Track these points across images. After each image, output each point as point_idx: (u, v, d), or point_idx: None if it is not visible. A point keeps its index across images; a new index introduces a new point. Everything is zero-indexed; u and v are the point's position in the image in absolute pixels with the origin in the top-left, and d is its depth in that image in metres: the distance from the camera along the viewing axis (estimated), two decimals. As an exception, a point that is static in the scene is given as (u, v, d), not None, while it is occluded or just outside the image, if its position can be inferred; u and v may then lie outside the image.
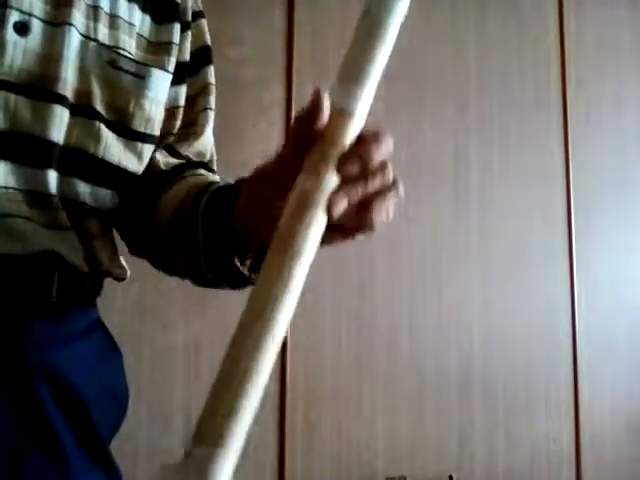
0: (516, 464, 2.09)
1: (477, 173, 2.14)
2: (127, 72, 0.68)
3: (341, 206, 0.48)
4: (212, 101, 0.80)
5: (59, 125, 0.63)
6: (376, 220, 0.52)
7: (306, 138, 0.50)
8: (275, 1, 1.92)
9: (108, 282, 0.73)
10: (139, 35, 0.71)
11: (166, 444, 1.59)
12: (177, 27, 0.75)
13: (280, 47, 1.91)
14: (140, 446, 1.56)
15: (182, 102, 0.77)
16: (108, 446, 0.68)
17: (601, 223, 2.32)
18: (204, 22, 0.80)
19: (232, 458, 0.42)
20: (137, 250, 0.76)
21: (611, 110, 2.40)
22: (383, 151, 0.51)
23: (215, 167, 0.81)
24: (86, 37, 0.66)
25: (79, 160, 0.65)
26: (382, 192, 0.51)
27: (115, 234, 0.75)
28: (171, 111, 0.75)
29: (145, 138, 0.70)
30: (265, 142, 1.79)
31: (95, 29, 0.66)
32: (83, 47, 0.65)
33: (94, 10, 0.67)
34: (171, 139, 0.77)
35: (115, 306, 1.57)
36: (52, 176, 0.63)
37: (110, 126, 0.67)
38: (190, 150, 0.78)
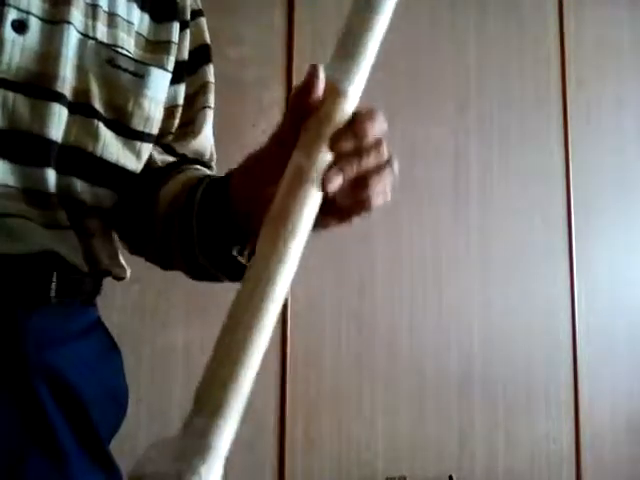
0: (516, 464, 2.08)
1: (477, 173, 2.14)
2: (126, 71, 0.68)
3: (335, 182, 0.49)
4: (211, 99, 0.80)
5: (58, 123, 0.62)
6: (373, 199, 0.52)
7: (302, 112, 0.50)
8: (275, 1, 1.92)
9: (108, 282, 0.73)
10: (138, 34, 0.71)
11: (166, 444, 1.59)
12: (176, 26, 0.75)
13: (280, 47, 1.91)
14: (140, 446, 1.56)
15: (181, 101, 0.77)
16: (108, 446, 0.68)
17: (601, 223, 2.32)
18: (203, 21, 0.80)
19: (231, 428, 0.42)
20: (135, 248, 0.76)
21: (611, 110, 2.40)
22: (377, 128, 0.51)
23: (214, 166, 0.81)
24: (84, 35, 0.65)
25: (77, 159, 0.65)
26: (377, 169, 0.51)
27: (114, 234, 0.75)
28: (170, 110, 0.75)
29: (144, 137, 0.70)
30: (265, 142, 1.78)
31: (94, 27, 0.66)
32: (81, 45, 0.65)
33: (93, 8, 0.67)
34: (169, 138, 0.77)
35: (115, 306, 1.57)
36: (51, 175, 0.63)
37: (109, 125, 0.67)
38: (188, 149, 0.78)
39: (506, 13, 2.26)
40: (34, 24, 0.62)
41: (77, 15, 0.65)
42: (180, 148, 0.77)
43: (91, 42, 0.66)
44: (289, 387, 1.79)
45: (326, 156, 0.49)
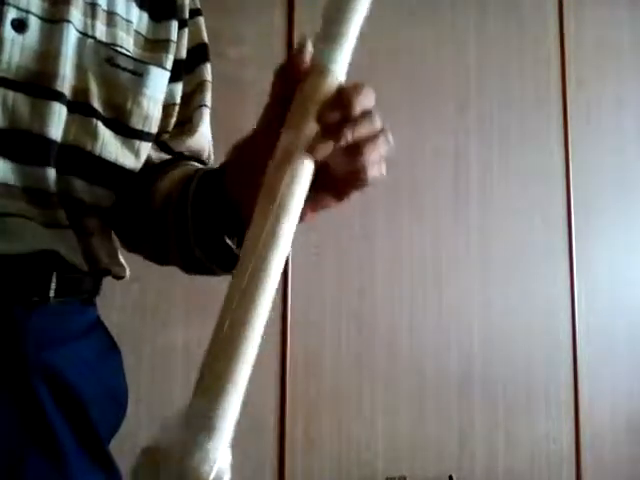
0: (516, 464, 2.08)
1: (477, 173, 2.14)
2: (125, 70, 0.68)
3: (323, 149, 0.49)
4: (208, 98, 0.80)
5: (57, 122, 0.62)
6: (368, 169, 0.51)
7: (288, 86, 0.51)
8: (275, 1, 1.92)
9: (107, 281, 0.73)
10: (137, 32, 0.71)
11: (166, 444, 1.59)
12: (175, 24, 0.75)
13: (280, 47, 1.91)
14: (140, 446, 1.55)
15: (178, 100, 0.76)
16: (107, 446, 0.68)
17: (601, 223, 2.32)
18: (201, 20, 0.80)
19: (234, 410, 0.42)
20: (131, 244, 0.76)
21: (611, 110, 2.40)
22: (363, 98, 0.51)
23: (212, 164, 0.81)
24: (84, 34, 0.65)
25: (76, 158, 0.65)
26: (370, 138, 0.51)
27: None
28: (167, 108, 0.75)
29: (142, 136, 0.70)
30: (265, 142, 1.78)
31: (93, 26, 0.66)
32: (81, 44, 0.65)
33: (91, 7, 0.67)
34: (166, 136, 0.76)
35: (115, 305, 1.57)
36: (51, 174, 0.63)
37: (107, 124, 0.67)
38: (184, 147, 0.78)
39: (506, 13, 2.26)
40: (34, 23, 0.62)
41: (76, 14, 0.65)
42: (176, 146, 0.77)
43: (90, 41, 0.66)
44: (289, 387, 1.79)
45: (313, 130, 0.49)
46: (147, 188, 0.71)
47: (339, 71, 0.51)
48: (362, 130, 0.50)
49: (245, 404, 0.43)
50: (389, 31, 1.96)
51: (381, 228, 1.96)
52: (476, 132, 2.15)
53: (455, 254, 2.07)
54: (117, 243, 0.76)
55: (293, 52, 0.51)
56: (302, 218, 0.50)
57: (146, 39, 0.72)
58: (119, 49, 0.68)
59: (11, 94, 0.60)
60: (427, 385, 1.98)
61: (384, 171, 0.53)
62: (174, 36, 0.74)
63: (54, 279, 0.63)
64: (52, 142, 0.62)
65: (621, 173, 2.39)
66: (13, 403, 0.59)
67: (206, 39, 0.80)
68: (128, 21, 0.70)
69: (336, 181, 0.53)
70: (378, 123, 0.52)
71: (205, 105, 0.79)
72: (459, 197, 2.10)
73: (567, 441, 2.17)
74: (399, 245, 1.99)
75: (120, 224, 0.75)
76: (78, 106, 0.64)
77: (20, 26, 0.61)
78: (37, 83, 0.62)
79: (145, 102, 0.69)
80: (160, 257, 0.74)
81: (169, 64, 0.73)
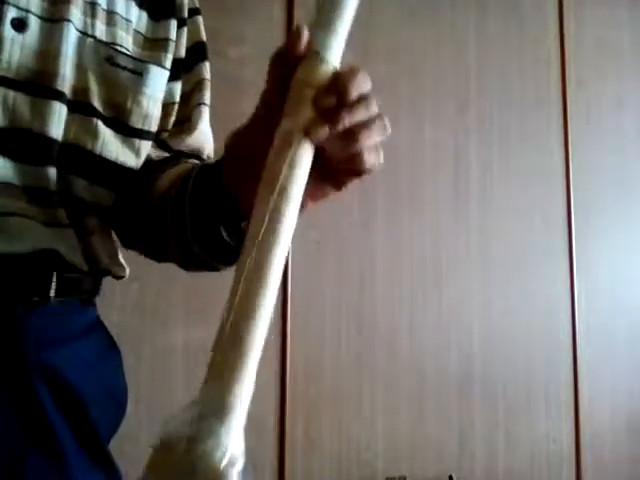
0: (516, 464, 2.08)
1: (477, 173, 2.14)
2: (124, 69, 0.68)
3: (320, 131, 0.49)
4: (206, 96, 0.80)
5: (58, 121, 0.62)
6: (365, 155, 0.52)
7: (284, 77, 0.51)
8: (275, 0, 1.91)
9: (107, 281, 0.73)
10: (136, 31, 0.71)
11: (166, 444, 1.58)
12: (174, 23, 0.75)
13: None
14: (140, 446, 1.56)
15: (177, 98, 0.77)
16: (107, 446, 0.68)
17: (601, 223, 2.32)
18: (200, 19, 0.80)
19: (247, 395, 0.42)
20: (130, 241, 0.76)
21: (611, 110, 2.40)
22: (359, 83, 0.51)
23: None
24: (83, 33, 0.65)
25: (77, 157, 0.65)
26: (367, 123, 0.51)
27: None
28: (166, 107, 0.75)
29: (142, 135, 0.70)
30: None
31: (92, 25, 0.66)
32: (80, 43, 0.65)
33: (91, 6, 0.67)
34: (165, 135, 0.77)
35: (115, 305, 1.57)
36: (51, 173, 0.63)
37: (107, 123, 0.67)
38: (183, 145, 0.78)
39: (506, 13, 2.26)
40: (33, 22, 0.62)
41: (76, 13, 0.65)
42: (176, 145, 0.77)
43: (90, 40, 0.66)
44: (289, 387, 1.79)
45: (310, 115, 0.50)
46: (146, 186, 0.71)
47: (334, 57, 0.52)
48: (358, 115, 0.51)
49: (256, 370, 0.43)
50: (389, 31, 1.96)
51: (381, 228, 1.96)
52: (476, 132, 2.15)
53: (455, 254, 2.07)
54: (117, 243, 0.76)
55: (289, 37, 0.51)
56: (303, 207, 0.50)
57: (145, 38, 0.72)
58: (119, 48, 0.68)
59: (11, 93, 0.60)
60: (427, 385, 1.98)
61: (381, 158, 0.53)
62: (173, 35, 0.74)
63: (54, 279, 0.63)
64: (52, 141, 0.62)
65: (621, 173, 2.39)
66: (13, 403, 0.59)
67: (204, 38, 0.80)
68: (128, 20, 0.70)
69: (334, 168, 0.53)
70: (374, 108, 0.52)
71: (204, 103, 0.79)
72: (459, 197, 2.10)
73: (567, 441, 2.17)
74: (399, 245, 1.99)
75: (119, 221, 0.75)
76: (78, 105, 0.64)
77: (20, 25, 0.61)
78: (37, 82, 0.62)
79: (145, 101, 0.69)
80: (158, 254, 0.74)
81: (168, 63, 0.73)
